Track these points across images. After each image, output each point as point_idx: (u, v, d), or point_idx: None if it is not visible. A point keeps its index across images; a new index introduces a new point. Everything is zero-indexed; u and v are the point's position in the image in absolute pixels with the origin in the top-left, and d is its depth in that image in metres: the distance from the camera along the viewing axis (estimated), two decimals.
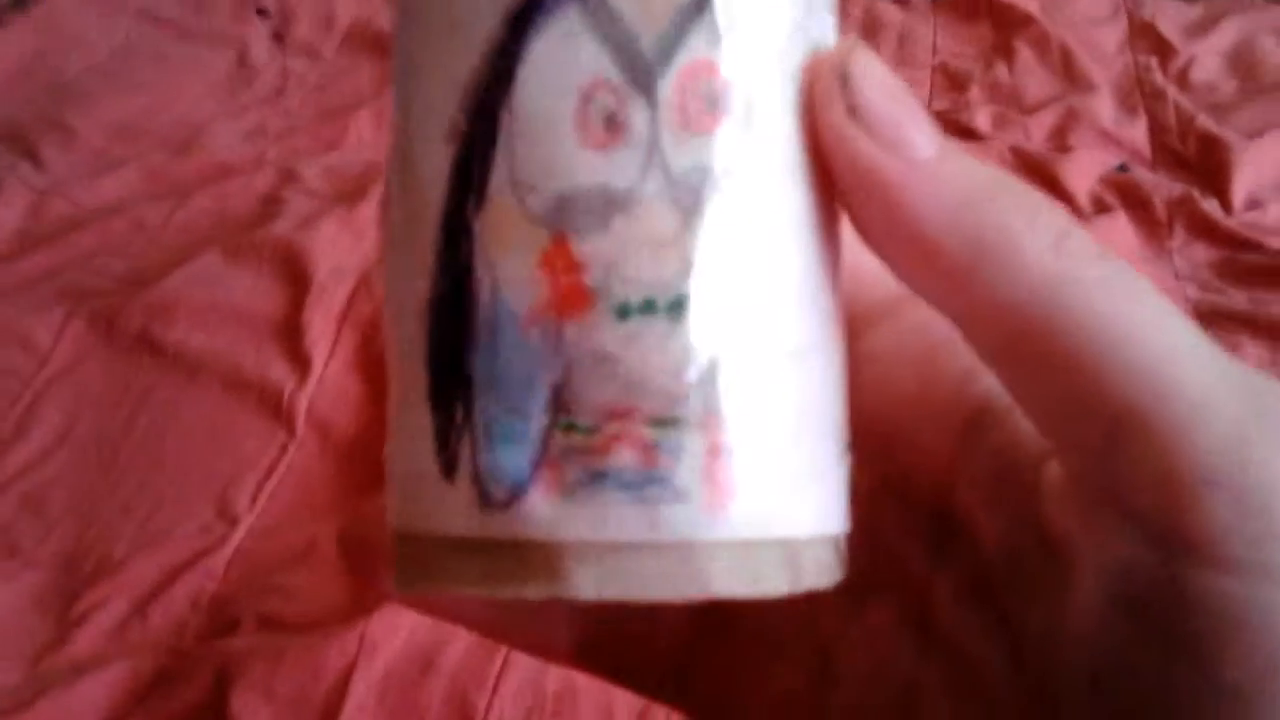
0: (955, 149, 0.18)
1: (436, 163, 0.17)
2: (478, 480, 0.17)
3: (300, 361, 0.69)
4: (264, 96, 0.96)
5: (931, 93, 1.00)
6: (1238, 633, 0.16)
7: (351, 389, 0.68)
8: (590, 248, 0.16)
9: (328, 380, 0.68)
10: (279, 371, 0.68)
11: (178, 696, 0.53)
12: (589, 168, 0.16)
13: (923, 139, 0.18)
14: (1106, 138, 0.92)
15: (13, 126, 0.89)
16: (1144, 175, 0.87)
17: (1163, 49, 1.01)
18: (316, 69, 1.00)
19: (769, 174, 0.17)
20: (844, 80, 0.18)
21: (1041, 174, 0.87)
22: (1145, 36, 1.04)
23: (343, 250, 0.76)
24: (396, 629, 0.54)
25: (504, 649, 0.53)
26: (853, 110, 0.17)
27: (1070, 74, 0.99)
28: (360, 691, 0.52)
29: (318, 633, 0.54)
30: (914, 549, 0.23)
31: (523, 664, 0.53)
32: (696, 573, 0.17)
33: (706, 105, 0.17)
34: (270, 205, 0.82)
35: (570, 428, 0.16)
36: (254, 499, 0.62)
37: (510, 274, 0.17)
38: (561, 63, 0.16)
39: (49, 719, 0.52)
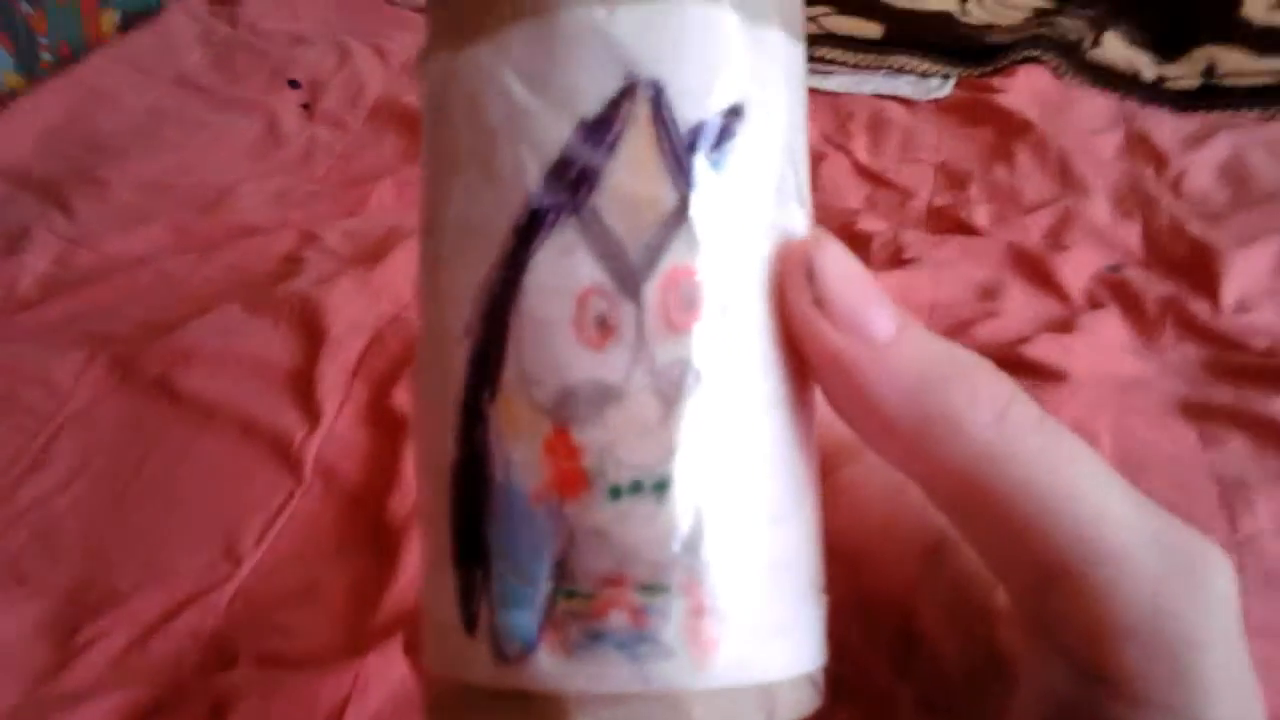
0: (913, 326, 0.20)
1: (456, 354, 0.20)
2: (494, 638, 0.19)
3: (311, 412, 0.71)
4: (290, 163, 1.00)
5: (933, 189, 1.03)
6: None
7: (359, 440, 0.70)
8: (586, 436, 0.19)
9: (337, 431, 0.70)
10: (290, 420, 0.70)
11: None
12: (585, 365, 0.19)
13: (883, 322, 0.20)
14: (1101, 239, 0.95)
15: (47, 178, 0.93)
16: (1136, 275, 0.89)
17: (1158, 159, 1.05)
18: (342, 139, 1.03)
19: (743, 361, 0.20)
20: (809, 272, 0.20)
21: (1037, 269, 0.89)
22: (1141, 147, 1.07)
23: (358, 308, 0.78)
24: (391, 669, 0.55)
25: None
26: (818, 300, 0.20)
27: (1067, 178, 1.02)
28: None
29: (313, 669, 0.55)
30: (879, 662, 0.25)
31: None
32: (683, 718, 0.19)
33: (685, 305, 0.19)
34: (291, 264, 0.85)
35: (571, 594, 0.19)
36: (259, 540, 0.64)
37: (519, 458, 0.19)
38: (561, 271, 0.19)
39: None
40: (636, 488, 0.19)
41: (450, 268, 0.20)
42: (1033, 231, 0.96)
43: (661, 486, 0.19)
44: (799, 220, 0.21)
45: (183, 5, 1.20)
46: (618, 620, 0.19)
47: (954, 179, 1.04)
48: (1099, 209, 0.98)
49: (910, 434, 0.20)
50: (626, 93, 0.19)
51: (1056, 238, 0.95)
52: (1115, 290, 0.88)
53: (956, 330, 0.81)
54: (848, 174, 1.06)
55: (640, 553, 0.19)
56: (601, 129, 0.19)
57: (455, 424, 0.20)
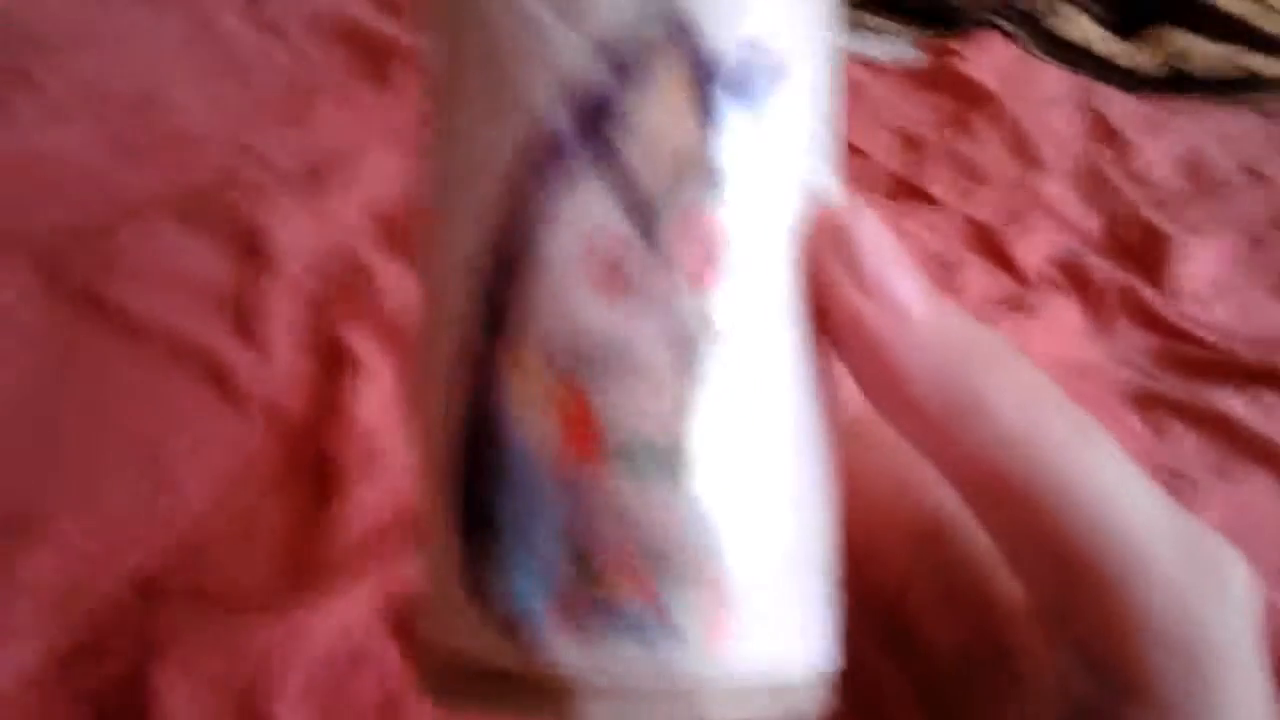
0: (946, 306, 0.19)
1: (461, 299, 0.18)
2: (500, 612, 0.18)
3: (249, 336, 0.67)
4: (229, 68, 0.94)
5: (894, 155, 1.02)
6: None
7: (300, 369, 0.67)
8: (600, 398, 0.17)
9: (278, 359, 0.66)
10: (228, 345, 0.66)
11: (101, 668, 0.51)
12: (600, 316, 0.17)
13: (915, 295, 0.19)
14: (1058, 219, 0.95)
15: None
16: (1092, 260, 0.89)
17: (1115, 141, 1.05)
18: (284, 47, 0.98)
19: (766, 327, 0.18)
20: (843, 240, 0.19)
21: (992, 246, 0.89)
22: (1100, 127, 1.08)
23: (300, 231, 0.74)
24: (331, 616, 0.52)
25: None
26: (849, 266, 0.19)
27: (1025, 153, 1.02)
28: (288, 678, 0.50)
29: (247, 613, 0.52)
30: (870, 649, 0.24)
31: None
32: (695, 711, 0.18)
33: (708, 260, 0.18)
34: (228, 177, 0.80)
35: (583, 572, 0.17)
36: (193, 472, 0.60)
37: (528, 419, 0.18)
38: (574, 213, 0.17)
39: None
40: (651, 458, 0.17)
41: (454, 204, 0.19)
42: (990, 207, 0.95)
43: (677, 459, 0.17)
44: (830, 182, 0.20)
45: None
46: (630, 603, 0.17)
47: (913, 145, 1.03)
48: (1056, 187, 0.98)
49: (936, 414, 0.19)
50: (654, 17, 0.17)
51: (1015, 215, 0.95)
52: (1070, 273, 0.88)
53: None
54: None
55: (657, 530, 0.17)
56: (624, 55, 0.17)
57: (461, 375, 0.18)
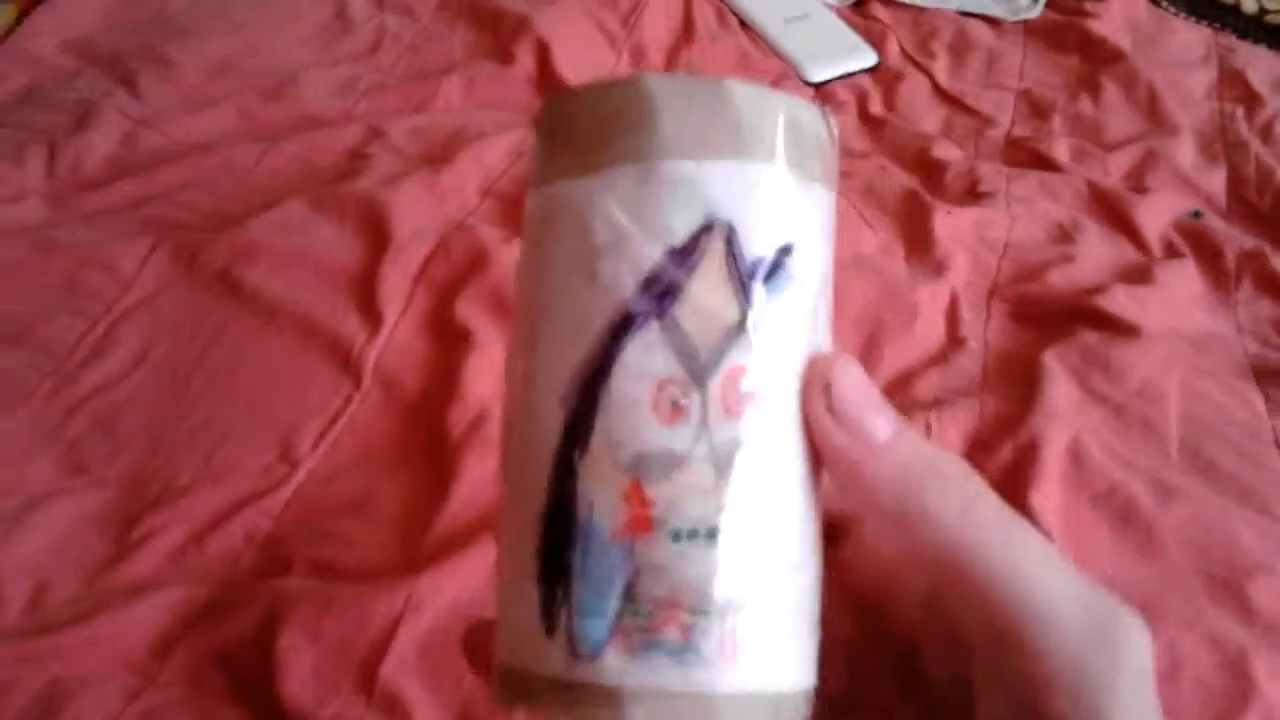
0: (907, 432, 0.26)
1: (552, 418, 0.25)
2: (570, 640, 0.24)
3: (372, 316, 0.70)
4: (358, 52, 0.98)
5: (1014, 118, 1.00)
6: None
7: (419, 348, 0.70)
8: (656, 491, 0.24)
9: (397, 338, 0.70)
10: (351, 324, 0.70)
11: (227, 628, 0.55)
12: (659, 436, 0.24)
13: (882, 427, 0.25)
14: (1184, 182, 0.92)
15: (113, 54, 0.91)
16: (1217, 224, 0.87)
17: (1250, 99, 1.01)
18: (412, 28, 1.01)
19: (780, 443, 0.25)
20: (826, 385, 0.25)
21: (1115, 212, 0.87)
22: (1234, 85, 1.04)
23: (423, 212, 0.77)
24: (443, 589, 0.55)
25: None
26: (830, 409, 0.25)
27: (1154, 115, 0.99)
28: (403, 647, 0.53)
29: (367, 584, 0.56)
30: (886, 682, 0.31)
31: None
32: (711, 713, 0.24)
33: (740, 397, 0.24)
34: (356, 159, 0.84)
35: (635, 612, 0.24)
36: (316, 445, 0.64)
37: (601, 503, 0.24)
38: (645, 363, 0.24)
39: (102, 635, 0.54)
40: (693, 535, 0.24)
41: (550, 350, 0.25)
42: (1114, 170, 0.93)
43: (712, 535, 0.24)
44: (826, 339, 0.27)
45: None
46: (669, 634, 0.24)
47: (1037, 108, 1.01)
48: (1184, 151, 0.95)
49: (895, 520, 0.25)
50: (707, 229, 0.24)
51: (1138, 178, 0.92)
52: (1194, 239, 0.85)
53: (1030, 275, 0.80)
54: (926, 96, 1.03)
55: (690, 585, 0.24)
56: (686, 255, 0.24)
57: (549, 472, 0.25)
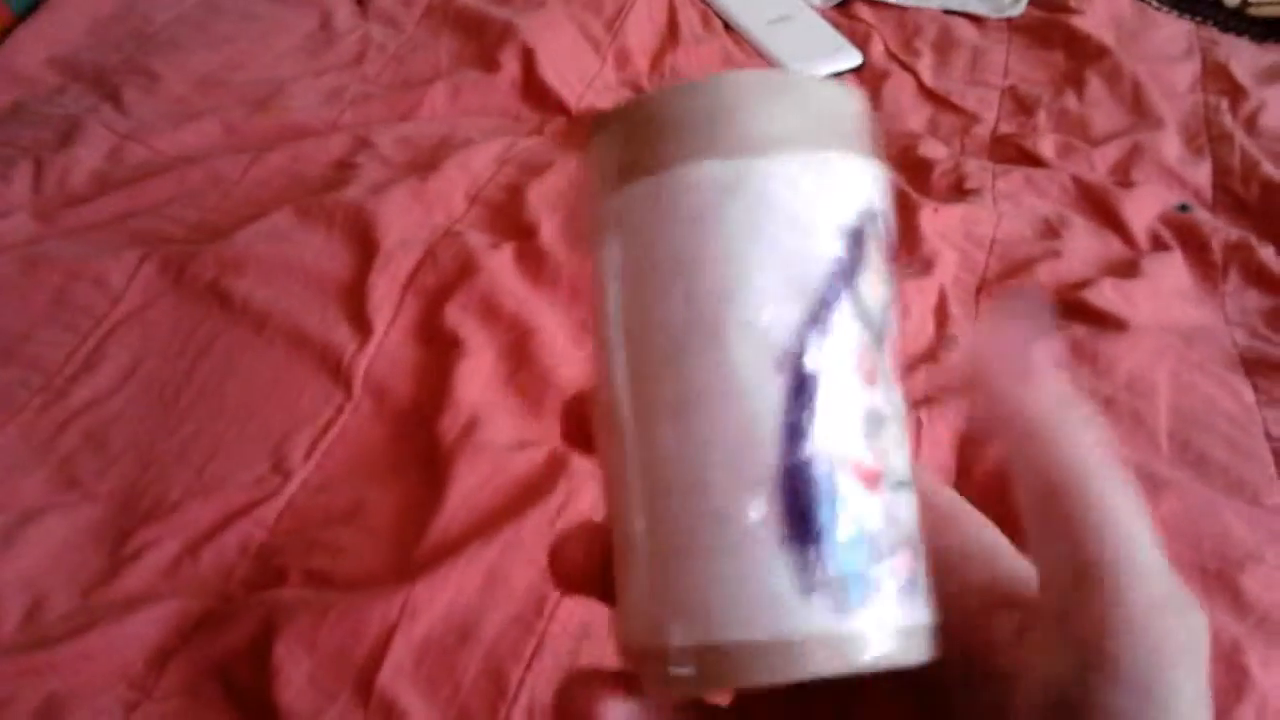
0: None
1: (770, 388, 0.25)
2: (835, 594, 0.25)
3: (362, 325, 0.71)
4: (343, 62, 0.98)
5: (999, 115, 1.00)
6: None
7: (409, 356, 0.70)
8: (875, 447, 0.26)
9: (387, 346, 0.70)
10: (340, 333, 0.70)
11: (223, 639, 0.55)
12: (868, 397, 0.26)
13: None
14: (1170, 175, 0.92)
15: (98, 69, 0.92)
16: (1203, 217, 0.87)
17: (1234, 91, 1.02)
18: (396, 38, 1.02)
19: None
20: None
21: (1102, 206, 0.87)
22: (1218, 78, 1.04)
23: (411, 221, 0.78)
24: (438, 596, 0.55)
25: (541, 625, 0.55)
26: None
27: (1139, 109, 0.99)
28: (399, 654, 0.54)
29: (362, 593, 0.56)
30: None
31: (557, 642, 0.55)
32: (931, 645, 0.26)
33: (896, 362, 0.27)
34: (343, 169, 0.84)
35: (878, 559, 0.25)
36: (308, 455, 0.64)
37: (839, 460, 0.25)
38: (848, 330, 0.26)
39: (99, 648, 0.54)
40: (901, 484, 0.26)
41: (754, 322, 0.26)
42: (1099, 165, 0.93)
43: (909, 484, 0.27)
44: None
45: None
46: (903, 576, 0.26)
47: (1022, 105, 1.02)
48: (1169, 144, 0.95)
49: (1024, 437, 0.27)
50: (869, 214, 0.27)
51: (1124, 172, 0.93)
52: (1180, 231, 0.86)
53: (1018, 270, 0.80)
54: (911, 94, 1.03)
55: (910, 529, 0.26)
56: (858, 235, 0.26)
57: (780, 440, 0.26)
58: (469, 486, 0.61)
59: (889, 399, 0.26)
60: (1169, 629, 0.24)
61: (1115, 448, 0.26)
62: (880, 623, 0.25)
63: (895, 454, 0.26)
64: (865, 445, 0.26)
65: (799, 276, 0.26)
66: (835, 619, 0.25)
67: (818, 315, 0.26)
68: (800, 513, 0.25)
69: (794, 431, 0.25)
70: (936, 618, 0.27)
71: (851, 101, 0.28)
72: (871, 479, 0.26)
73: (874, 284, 0.26)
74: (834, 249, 0.26)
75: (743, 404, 0.26)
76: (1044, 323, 0.27)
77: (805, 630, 0.25)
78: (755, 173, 0.26)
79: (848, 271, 0.26)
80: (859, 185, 0.27)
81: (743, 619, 0.25)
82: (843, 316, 0.26)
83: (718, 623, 0.26)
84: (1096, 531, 0.25)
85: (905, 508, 0.26)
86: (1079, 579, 0.25)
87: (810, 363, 0.25)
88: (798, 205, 0.26)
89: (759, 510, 0.25)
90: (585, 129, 0.28)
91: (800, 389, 0.25)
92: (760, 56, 1.06)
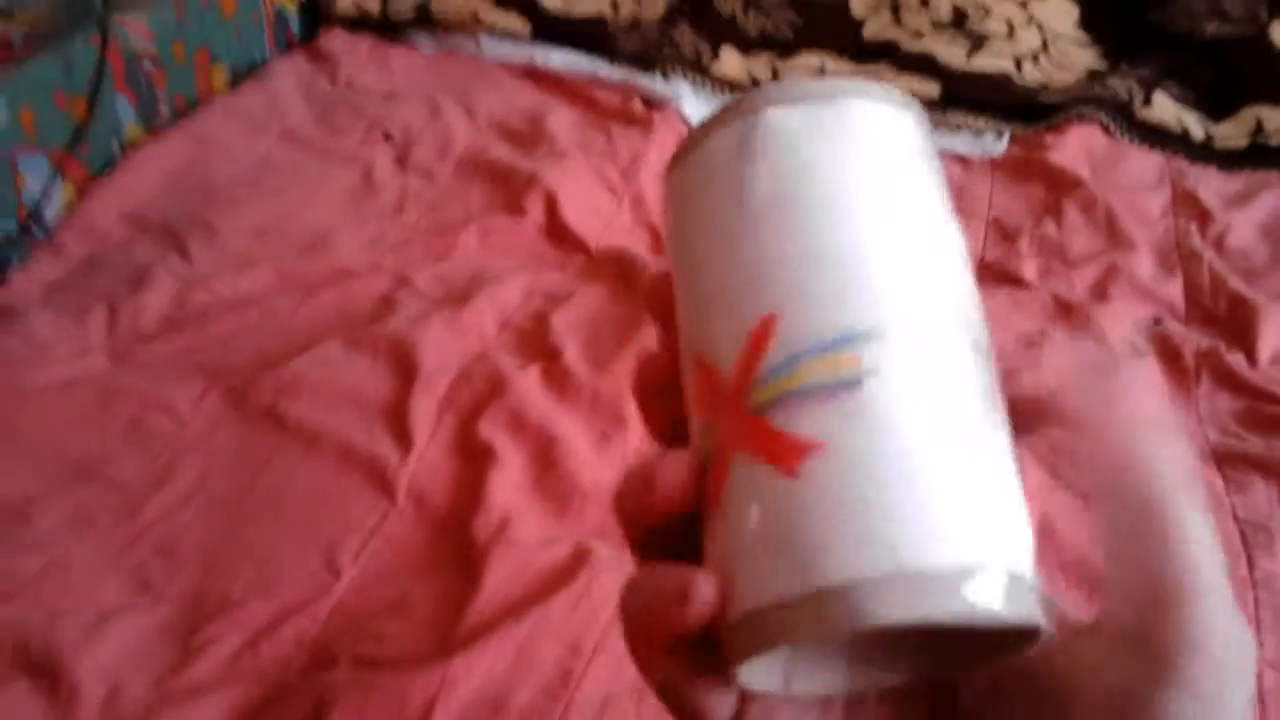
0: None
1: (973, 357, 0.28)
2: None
3: (404, 440, 0.78)
4: (384, 211, 1.08)
5: (985, 244, 1.08)
6: None
7: (447, 466, 0.77)
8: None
9: (427, 458, 0.77)
10: (385, 447, 0.78)
11: (282, 718, 0.61)
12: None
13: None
14: (1144, 292, 1.00)
15: (165, 222, 1.01)
16: (1175, 328, 0.94)
17: (1202, 216, 1.10)
18: (432, 188, 1.11)
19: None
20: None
21: (1079, 321, 0.95)
22: (1187, 203, 1.12)
23: (447, 347, 0.86)
24: (474, 669, 0.62)
25: (566, 695, 0.61)
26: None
27: (1113, 233, 1.07)
28: None
29: (405, 671, 0.62)
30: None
31: (581, 712, 0.60)
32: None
33: None
34: (385, 304, 0.93)
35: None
36: (356, 556, 0.71)
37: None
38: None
39: None
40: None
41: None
42: (1078, 284, 1.01)
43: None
44: None
45: (287, 63, 1.29)
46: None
47: (1005, 233, 1.10)
48: (1142, 264, 1.03)
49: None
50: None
51: (1101, 290, 1.00)
52: (1155, 343, 0.92)
53: (1001, 381, 0.86)
54: None
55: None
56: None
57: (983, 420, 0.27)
58: (501, 577, 0.68)
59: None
60: (1232, 649, 0.26)
61: (1193, 462, 0.29)
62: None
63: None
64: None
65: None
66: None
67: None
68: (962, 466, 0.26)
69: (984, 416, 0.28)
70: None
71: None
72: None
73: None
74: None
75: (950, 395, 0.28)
76: (1124, 351, 0.31)
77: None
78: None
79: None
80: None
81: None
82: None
83: (892, 549, 0.25)
84: (1179, 558, 0.27)
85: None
86: (1159, 599, 0.26)
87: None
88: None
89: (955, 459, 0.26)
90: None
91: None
92: None
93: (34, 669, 0.63)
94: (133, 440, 0.79)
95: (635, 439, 0.78)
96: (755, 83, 1.31)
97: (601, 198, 1.11)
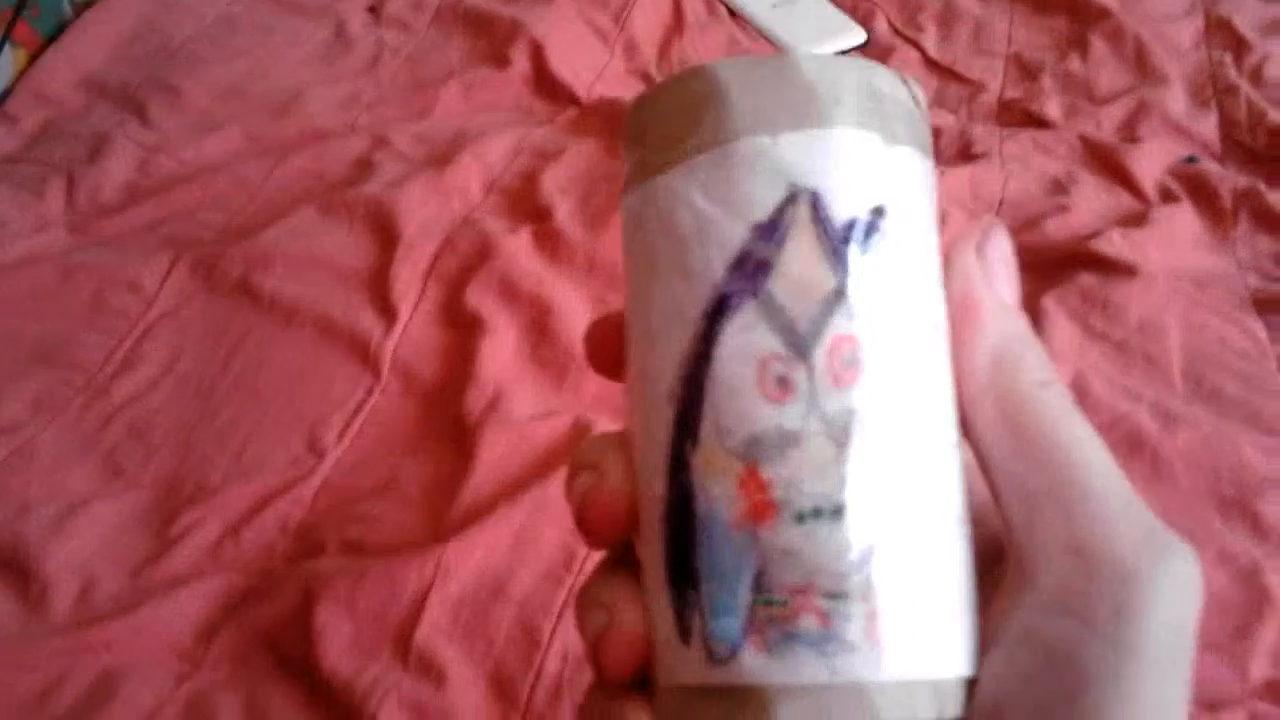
0: (1014, 307, 0.27)
1: (663, 416, 0.24)
2: (706, 644, 0.23)
3: (387, 312, 0.73)
4: (358, 67, 1.01)
5: (1005, 82, 1.02)
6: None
7: (433, 338, 0.72)
8: (773, 473, 0.23)
9: (412, 330, 0.72)
10: (367, 320, 0.72)
11: (267, 609, 0.57)
12: (769, 415, 0.23)
13: (1011, 291, 0.27)
14: (1176, 130, 0.93)
15: (123, 86, 0.95)
16: (1211, 167, 0.88)
17: (1238, 45, 1.02)
18: (409, 42, 1.04)
19: (900, 409, 0.24)
20: (980, 241, 0.27)
21: (1109, 163, 0.89)
22: (1221, 32, 1.05)
23: (429, 210, 0.80)
24: (470, 556, 0.57)
25: (570, 579, 0.57)
26: (979, 251, 0.27)
27: (1143, 67, 1.00)
28: (435, 612, 0.55)
29: (397, 556, 0.58)
30: None
31: None
32: (867, 707, 0.22)
33: (847, 365, 0.23)
34: (362, 167, 0.86)
35: (768, 603, 0.23)
36: (341, 435, 0.66)
37: (718, 493, 0.23)
38: (745, 343, 0.23)
39: (148, 624, 0.56)
40: (817, 513, 0.23)
41: (654, 349, 0.25)
42: (1106, 124, 0.94)
43: (838, 511, 0.23)
44: (937, 297, 0.26)
45: None
46: (807, 623, 0.23)
47: (1026, 70, 1.03)
48: (1175, 99, 0.96)
49: (989, 384, 0.26)
50: (790, 199, 0.24)
51: (1130, 130, 0.94)
52: (1189, 183, 0.87)
53: (1026, 227, 0.81)
54: (916, 67, 1.05)
55: (823, 566, 0.23)
56: (772, 228, 0.24)
57: (664, 471, 0.24)
58: (496, 455, 0.63)
59: (815, 412, 0.23)
60: (1145, 579, 0.24)
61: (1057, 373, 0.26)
62: (761, 676, 0.23)
63: (814, 478, 0.23)
64: (758, 473, 0.23)
65: (683, 300, 0.24)
66: (704, 670, 0.24)
67: (700, 338, 0.24)
68: (676, 553, 0.24)
69: (676, 464, 0.24)
70: (888, 674, 0.23)
71: (796, 76, 0.25)
72: (759, 513, 0.23)
73: (800, 281, 0.24)
74: (724, 256, 0.24)
75: (650, 437, 0.25)
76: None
77: (684, 679, 0.24)
78: (657, 191, 0.25)
79: (749, 275, 0.24)
80: (774, 170, 0.24)
81: (664, 665, 0.25)
82: (736, 331, 0.24)
83: (658, 665, 0.25)
84: (1056, 461, 0.25)
85: (827, 541, 0.23)
86: (1060, 500, 0.25)
87: (688, 391, 0.24)
88: (683, 219, 0.25)
89: (660, 547, 0.25)
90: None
91: (682, 418, 0.24)
92: (765, 40, 1.08)
93: (1, 565, 0.59)
94: (97, 319, 0.73)
95: None
96: None
97: (592, 45, 1.04)
